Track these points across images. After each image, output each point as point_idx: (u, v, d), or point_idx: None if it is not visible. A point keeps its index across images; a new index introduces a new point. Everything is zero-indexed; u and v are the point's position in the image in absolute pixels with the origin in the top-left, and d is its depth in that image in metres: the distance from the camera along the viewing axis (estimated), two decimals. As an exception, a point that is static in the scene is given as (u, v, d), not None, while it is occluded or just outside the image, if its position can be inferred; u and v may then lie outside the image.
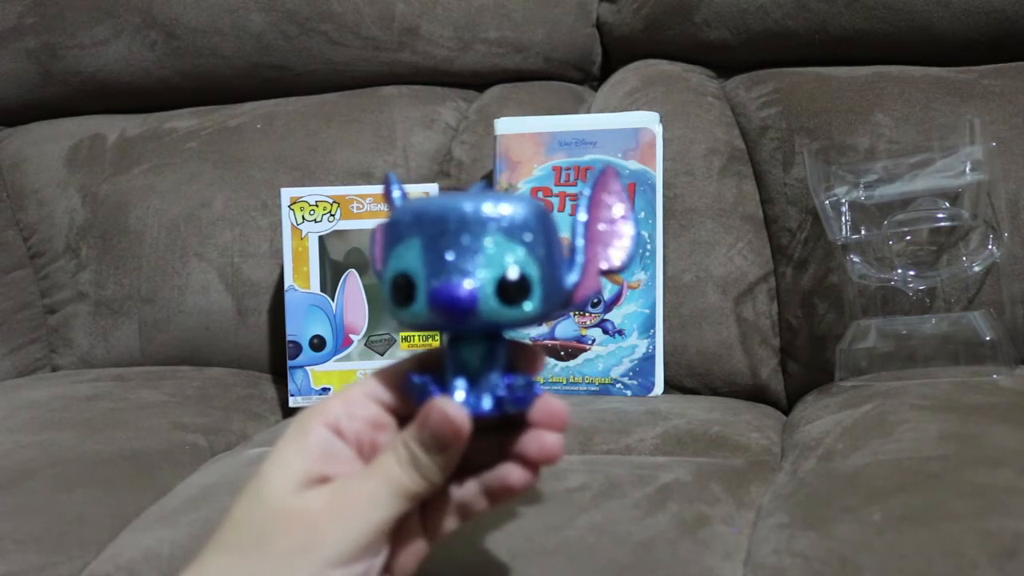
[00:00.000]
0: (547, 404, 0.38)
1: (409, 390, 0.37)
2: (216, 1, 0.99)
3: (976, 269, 0.73)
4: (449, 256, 0.35)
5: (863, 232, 0.73)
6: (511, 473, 0.38)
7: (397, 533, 0.37)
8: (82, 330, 0.97)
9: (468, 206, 0.35)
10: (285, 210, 0.83)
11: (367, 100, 1.00)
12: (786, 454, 0.63)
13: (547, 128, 0.82)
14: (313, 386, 0.82)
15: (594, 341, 0.80)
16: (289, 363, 0.82)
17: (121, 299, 0.96)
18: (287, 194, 0.84)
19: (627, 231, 0.40)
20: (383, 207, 0.83)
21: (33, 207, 1.02)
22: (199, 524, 0.55)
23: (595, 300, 0.79)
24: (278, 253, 0.92)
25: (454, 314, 0.35)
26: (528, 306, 0.36)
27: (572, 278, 0.38)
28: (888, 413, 0.60)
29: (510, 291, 0.35)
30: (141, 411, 0.76)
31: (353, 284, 0.83)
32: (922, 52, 0.85)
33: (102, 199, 1.00)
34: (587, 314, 0.80)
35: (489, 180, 0.87)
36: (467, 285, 0.35)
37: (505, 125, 0.83)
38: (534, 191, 0.81)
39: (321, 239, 0.83)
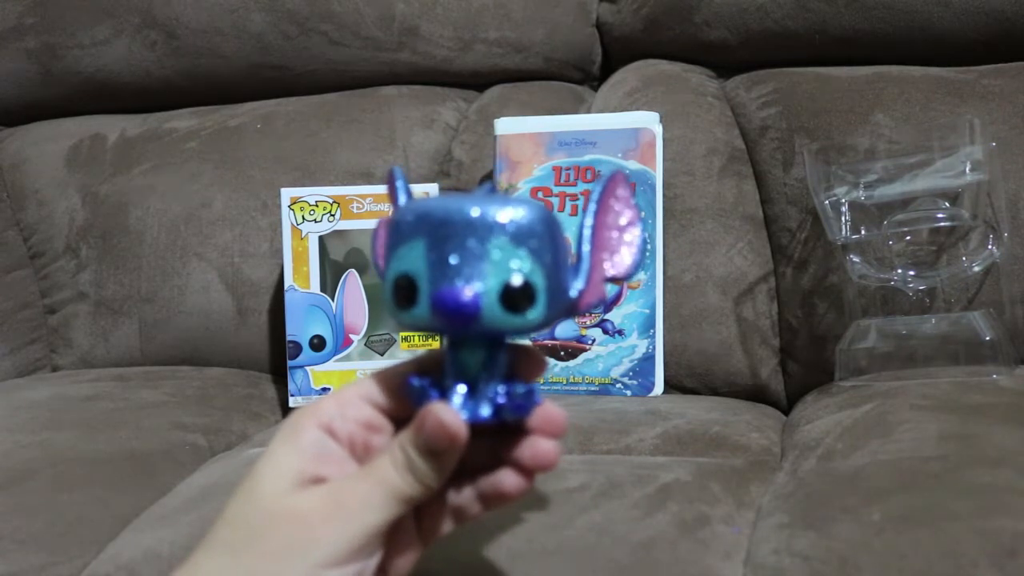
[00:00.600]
0: (545, 411, 0.38)
1: (408, 393, 0.37)
2: (216, 1, 0.99)
3: (976, 269, 0.73)
4: (453, 260, 0.35)
5: (863, 232, 0.73)
6: (506, 479, 0.38)
7: (391, 534, 0.37)
8: (82, 330, 0.97)
9: (475, 210, 0.35)
10: (285, 210, 0.83)
11: (367, 100, 1.00)
12: (786, 454, 0.63)
13: (547, 128, 0.82)
14: (313, 386, 0.82)
15: (594, 341, 0.80)
16: (289, 363, 0.82)
17: (121, 299, 0.96)
18: (287, 194, 0.84)
19: (634, 238, 0.39)
20: (384, 207, 0.83)
21: (33, 207, 1.02)
22: (199, 524, 0.55)
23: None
24: (278, 253, 0.92)
25: (456, 319, 0.34)
26: (532, 314, 0.35)
27: (577, 285, 0.38)
28: (888, 413, 0.60)
29: (514, 298, 0.35)
30: (141, 411, 0.76)
31: (353, 284, 0.83)
32: (922, 52, 0.85)
33: (102, 199, 1.00)
34: (587, 314, 0.80)
35: (490, 180, 0.87)
36: (470, 291, 0.34)
37: (505, 125, 0.83)
38: (534, 191, 0.81)
39: (321, 239, 0.83)
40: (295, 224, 0.83)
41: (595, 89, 1.01)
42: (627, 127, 0.80)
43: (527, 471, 0.38)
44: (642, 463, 0.59)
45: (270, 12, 0.99)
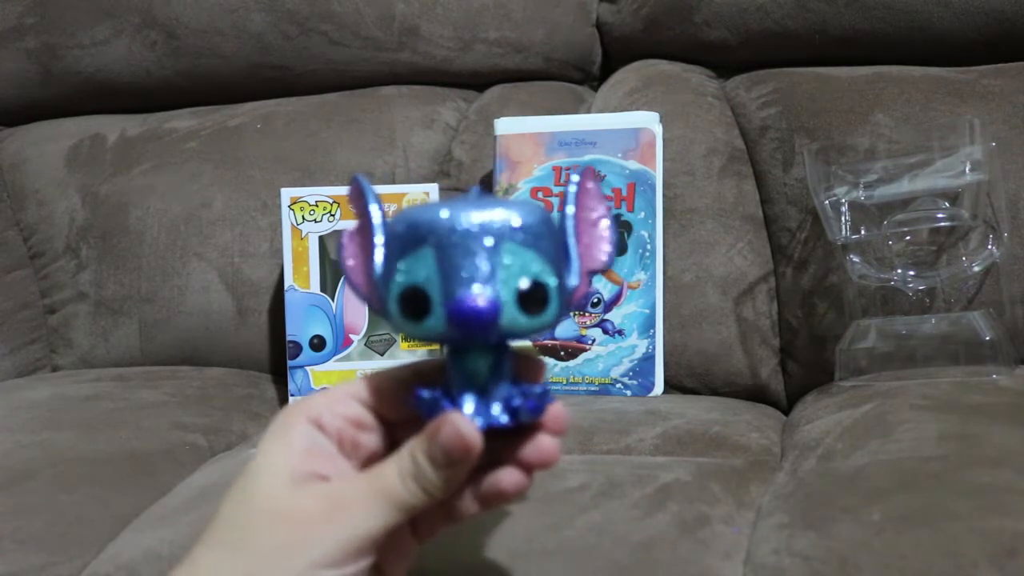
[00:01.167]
0: (549, 408, 0.38)
1: (418, 405, 0.36)
2: (216, 1, 0.99)
3: (976, 269, 0.73)
4: (467, 267, 0.34)
5: (863, 232, 0.73)
6: (505, 477, 0.37)
7: (387, 538, 0.37)
8: (82, 330, 0.97)
9: (482, 215, 0.35)
10: (285, 210, 0.83)
11: (367, 100, 1.00)
12: (786, 454, 0.63)
13: (547, 128, 0.82)
14: (313, 386, 0.82)
15: (594, 341, 0.80)
16: (289, 363, 0.82)
17: (121, 299, 0.96)
18: (287, 194, 0.84)
19: (607, 229, 0.39)
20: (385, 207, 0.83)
21: (33, 207, 1.02)
22: (199, 524, 0.55)
23: (595, 300, 0.79)
24: (278, 253, 0.92)
25: (476, 326, 0.34)
26: (547, 314, 0.35)
27: (573, 280, 0.38)
28: (888, 413, 0.60)
29: (530, 300, 0.35)
30: (141, 411, 0.76)
31: (353, 284, 0.83)
32: (922, 52, 0.85)
33: (102, 199, 1.00)
34: (587, 314, 0.80)
35: (489, 180, 0.87)
36: (488, 296, 0.34)
37: (505, 125, 0.83)
38: (534, 191, 0.81)
39: (321, 239, 0.83)
40: (295, 224, 0.83)
41: (595, 89, 1.00)
42: (627, 127, 0.80)
43: (526, 468, 0.38)
44: (642, 463, 0.59)
45: (270, 12, 0.99)
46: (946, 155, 0.72)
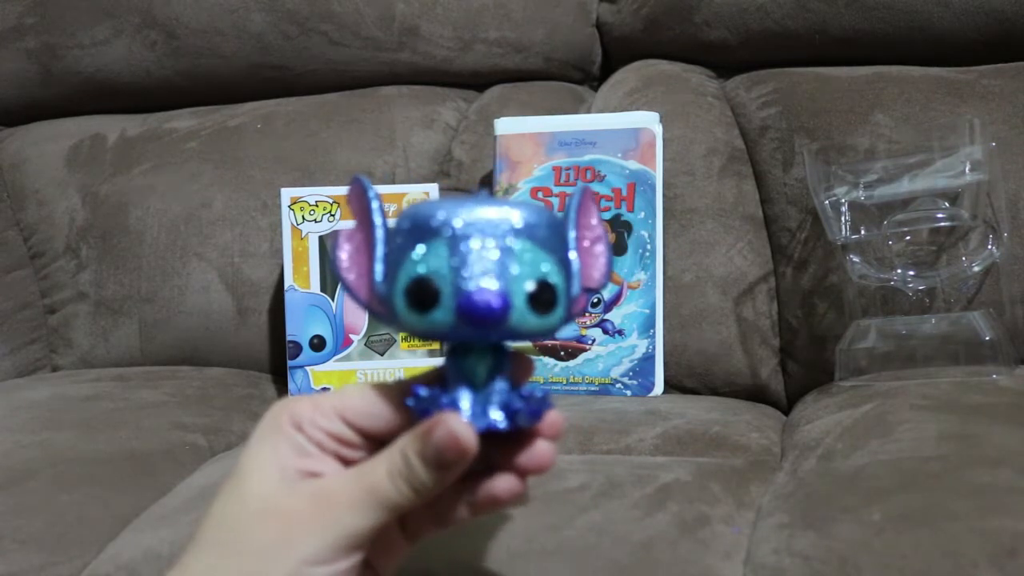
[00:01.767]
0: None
1: (415, 402, 0.36)
2: (216, 1, 0.99)
3: (976, 269, 0.73)
4: (476, 263, 0.34)
5: (863, 232, 0.73)
6: (498, 483, 0.36)
7: (377, 538, 0.36)
8: (82, 330, 0.97)
9: (499, 212, 0.35)
10: (285, 210, 0.83)
11: (367, 100, 1.00)
12: (786, 454, 0.63)
13: (547, 128, 0.82)
14: (313, 386, 0.82)
15: (594, 341, 0.80)
16: (289, 363, 0.82)
17: (121, 299, 0.96)
18: (287, 194, 0.84)
19: (602, 252, 0.39)
20: (385, 207, 0.83)
21: (33, 207, 1.02)
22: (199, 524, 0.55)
23: (595, 300, 0.79)
24: (278, 253, 0.92)
25: (486, 322, 0.33)
26: (555, 315, 0.35)
27: (575, 289, 0.37)
28: (888, 413, 0.60)
29: (541, 300, 0.34)
30: (141, 411, 0.76)
31: (353, 284, 0.83)
32: (922, 52, 0.85)
33: (102, 199, 1.00)
34: (587, 314, 0.80)
35: (489, 180, 0.87)
36: (501, 292, 0.34)
37: (505, 125, 0.83)
38: (534, 191, 0.81)
39: (321, 239, 0.83)
40: (295, 224, 0.83)
41: (595, 89, 1.01)
42: (627, 127, 0.80)
43: (521, 473, 0.37)
44: (642, 463, 0.59)
45: (270, 12, 0.99)
46: (946, 155, 0.72)
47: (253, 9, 0.99)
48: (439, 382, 0.37)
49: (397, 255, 0.36)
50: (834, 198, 0.74)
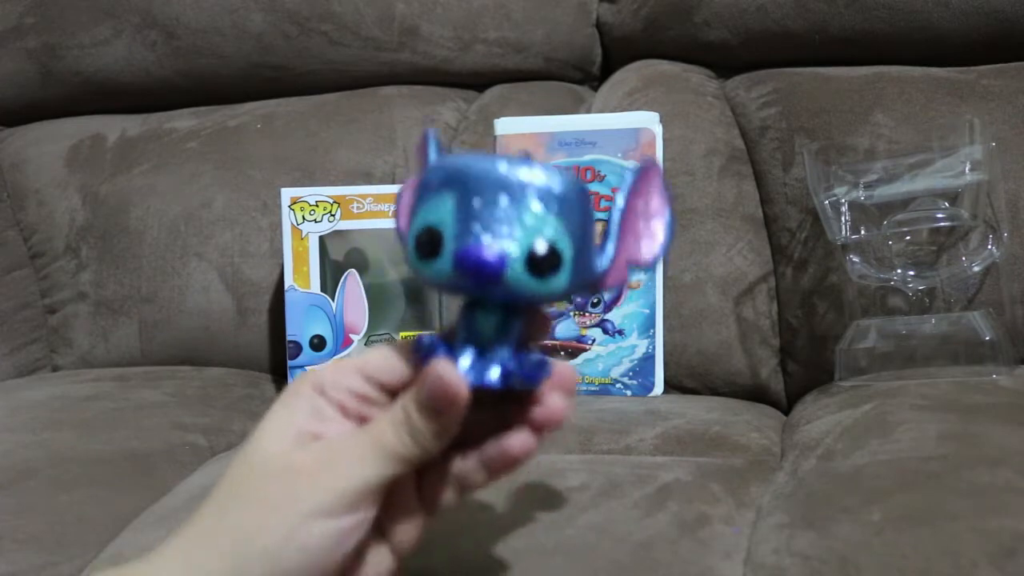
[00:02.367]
0: (557, 368, 0.37)
1: (416, 350, 0.36)
2: (216, 1, 0.99)
3: (976, 269, 0.73)
4: (483, 217, 0.34)
5: (863, 232, 0.73)
6: (512, 440, 0.37)
7: (390, 499, 0.37)
8: (82, 330, 0.97)
9: (512, 169, 0.34)
10: (285, 210, 0.83)
11: (367, 100, 1.00)
12: (786, 454, 0.63)
13: (547, 128, 0.82)
14: (313, 386, 0.82)
15: (594, 341, 0.80)
16: (289, 363, 0.82)
17: (121, 299, 0.96)
18: (287, 194, 0.84)
19: (661, 229, 0.39)
20: (385, 207, 0.83)
21: (33, 207, 1.02)
22: (199, 524, 0.55)
23: (595, 300, 0.79)
24: (278, 253, 0.92)
25: (479, 278, 0.34)
26: (555, 282, 0.35)
27: (602, 263, 0.37)
28: (888, 413, 0.60)
29: (540, 263, 0.34)
30: (141, 411, 0.76)
31: (353, 284, 0.83)
32: (922, 52, 0.85)
33: (102, 199, 1.00)
34: (587, 314, 0.80)
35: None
36: (497, 250, 0.34)
37: (505, 125, 0.83)
38: (534, 191, 0.81)
39: (321, 239, 0.83)
40: (295, 224, 0.83)
41: (595, 89, 1.01)
42: (627, 127, 0.80)
43: (535, 428, 0.37)
44: (642, 463, 0.59)
45: (270, 12, 0.99)
46: (946, 155, 0.73)
47: (253, 9, 0.99)
48: (452, 337, 0.37)
49: (418, 204, 0.36)
50: (834, 198, 0.74)
